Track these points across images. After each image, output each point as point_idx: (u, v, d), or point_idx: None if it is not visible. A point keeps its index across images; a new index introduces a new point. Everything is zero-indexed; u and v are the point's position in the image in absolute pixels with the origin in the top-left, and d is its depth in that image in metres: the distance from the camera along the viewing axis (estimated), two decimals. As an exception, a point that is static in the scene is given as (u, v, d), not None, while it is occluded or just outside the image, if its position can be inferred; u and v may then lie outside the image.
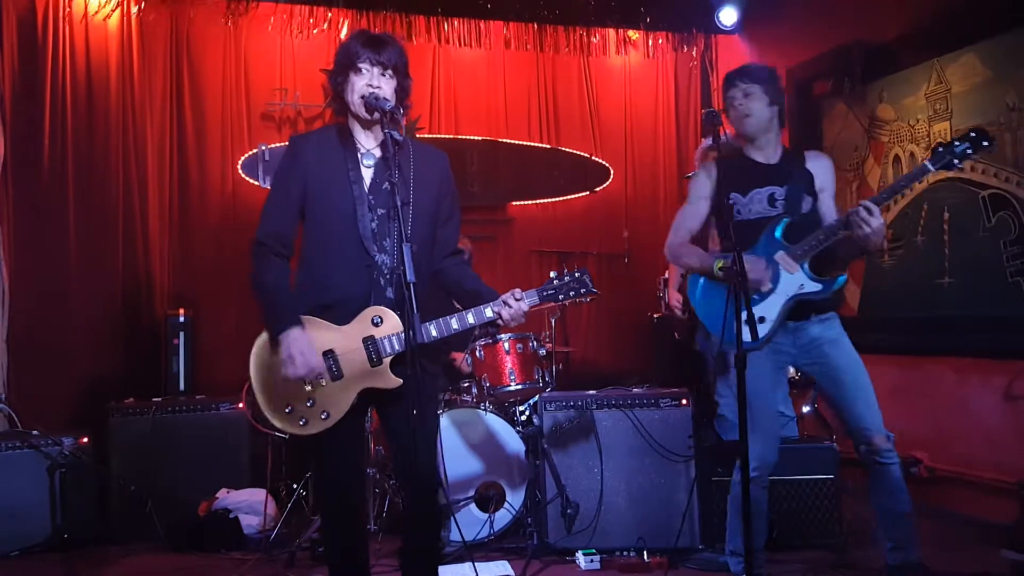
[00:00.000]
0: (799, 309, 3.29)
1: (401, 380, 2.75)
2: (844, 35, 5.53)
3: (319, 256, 2.82)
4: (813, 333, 3.34)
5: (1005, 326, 4.55)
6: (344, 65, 2.80)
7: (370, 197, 2.80)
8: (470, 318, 2.80)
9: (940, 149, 3.13)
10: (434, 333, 2.77)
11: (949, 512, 4.73)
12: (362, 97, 2.75)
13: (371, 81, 2.76)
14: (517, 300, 2.76)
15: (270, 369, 2.79)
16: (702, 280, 3.42)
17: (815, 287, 3.24)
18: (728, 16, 6.49)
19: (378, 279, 2.79)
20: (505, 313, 2.77)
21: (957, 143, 3.09)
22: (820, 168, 3.43)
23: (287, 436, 2.85)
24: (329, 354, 2.76)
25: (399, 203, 2.58)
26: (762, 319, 3.19)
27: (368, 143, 2.87)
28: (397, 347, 2.75)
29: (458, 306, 2.87)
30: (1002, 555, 3.70)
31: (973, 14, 4.70)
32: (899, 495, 3.29)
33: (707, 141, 4.83)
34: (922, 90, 5.10)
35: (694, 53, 6.84)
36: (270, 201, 2.87)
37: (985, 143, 3.09)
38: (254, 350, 2.83)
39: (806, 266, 3.25)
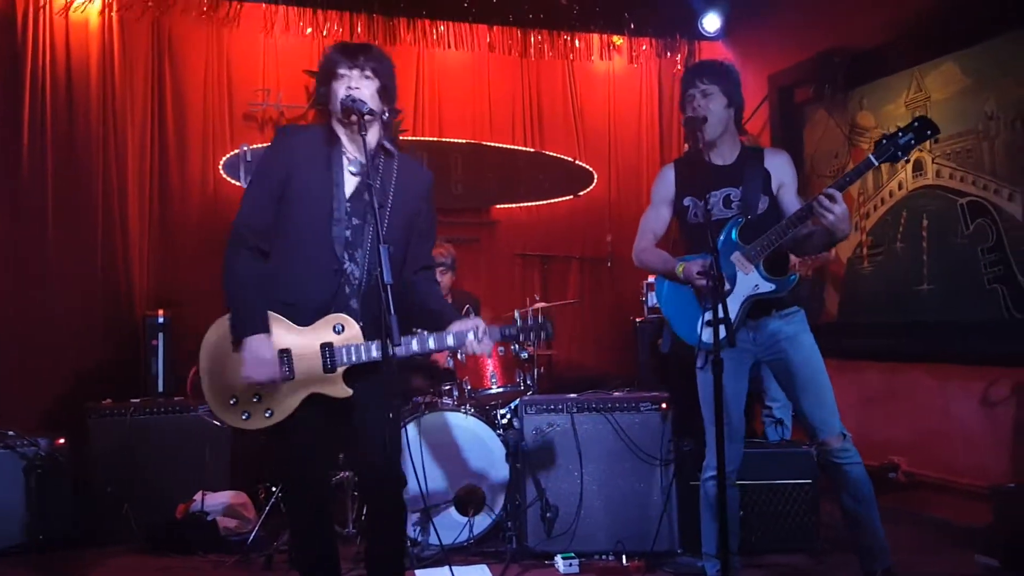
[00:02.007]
0: (759, 306, 3.30)
1: (351, 392, 2.76)
2: (826, 42, 5.57)
3: (288, 253, 2.80)
4: (772, 328, 3.34)
5: (983, 332, 4.59)
6: (326, 75, 2.81)
7: (348, 204, 2.80)
8: (431, 343, 2.81)
9: (884, 141, 3.08)
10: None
11: (927, 517, 4.76)
12: (341, 101, 2.74)
13: (350, 84, 2.76)
14: (478, 340, 2.77)
15: (221, 359, 2.78)
16: (667, 282, 3.43)
17: (769, 287, 3.25)
18: (711, 22, 6.52)
19: (344, 286, 2.79)
20: (468, 347, 2.78)
21: (901, 134, 3.05)
22: (777, 165, 3.40)
23: (223, 425, 2.84)
24: (284, 353, 2.75)
25: (376, 205, 2.58)
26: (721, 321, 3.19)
27: (355, 150, 2.85)
28: (354, 359, 2.74)
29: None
30: (976, 559, 3.73)
31: (953, 23, 4.74)
32: (860, 496, 3.25)
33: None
34: (902, 98, 5.15)
35: (678, 59, 6.85)
36: (251, 189, 2.87)
37: (929, 132, 3.06)
38: (207, 336, 2.81)
39: (761, 266, 3.25)
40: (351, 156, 2.85)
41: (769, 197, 3.37)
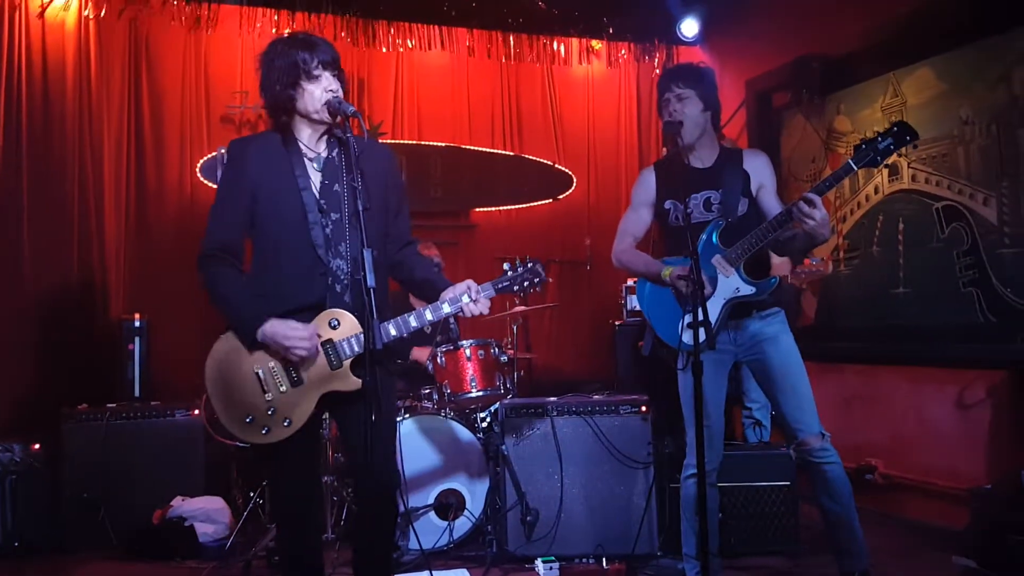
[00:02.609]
0: (740, 308, 3.31)
1: (361, 381, 2.73)
2: (803, 48, 5.61)
3: (270, 267, 2.76)
4: (752, 329, 3.36)
5: (958, 335, 4.64)
6: (294, 76, 2.72)
7: (321, 201, 2.77)
8: (428, 315, 2.79)
9: (863, 146, 3.08)
10: (392, 332, 2.76)
11: (904, 519, 4.80)
12: (327, 103, 2.71)
13: (329, 86, 2.73)
14: (474, 300, 2.77)
15: (226, 382, 2.74)
16: (648, 284, 3.44)
17: (749, 290, 3.27)
18: (690, 27, 6.55)
19: (334, 285, 2.76)
20: (466, 310, 2.78)
21: (880, 139, 3.06)
22: (756, 166, 3.42)
23: (248, 445, 2.80)
24: (289, 363, 2.72)
25: (360, 208, 2.55)
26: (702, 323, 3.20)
27: (317, 146, 2.83)
28: (357, 348, 2.73)
29: (413, 301, 2.86)
30: (953, 561, 3.77)
31: (929, 29, 4.79)
32: (838, 496, 3.26)
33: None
34: (878, 103, 5.20)
35: (656, 63, 6.90)
36: (216, 211, 2.79)
37: (908, 137, 3.07)
38: (209, 362, 2.77)
39: (741, 269, 3.27)
40: (312, 153, 2.81)
41: (748, 199, 3.39)
